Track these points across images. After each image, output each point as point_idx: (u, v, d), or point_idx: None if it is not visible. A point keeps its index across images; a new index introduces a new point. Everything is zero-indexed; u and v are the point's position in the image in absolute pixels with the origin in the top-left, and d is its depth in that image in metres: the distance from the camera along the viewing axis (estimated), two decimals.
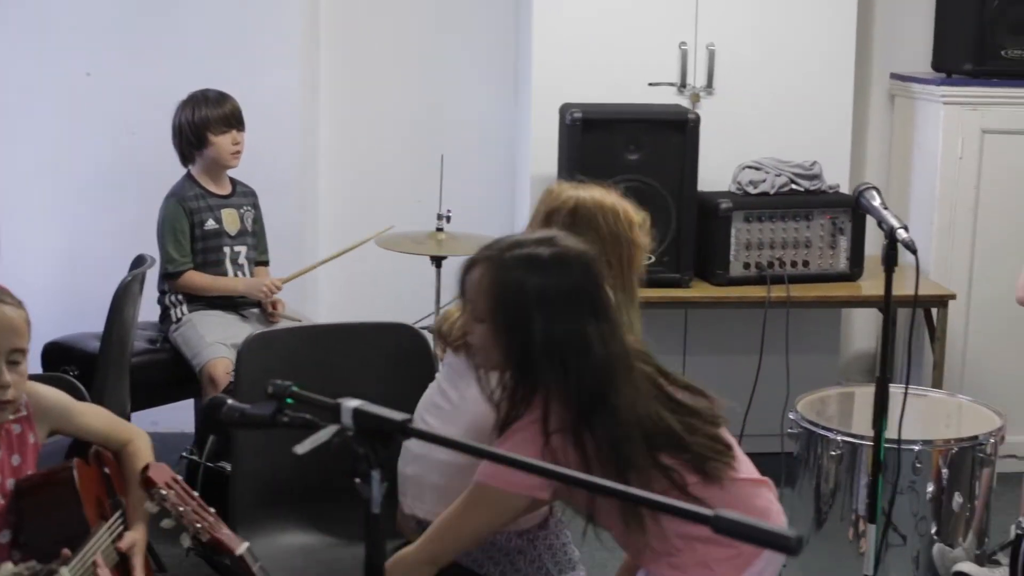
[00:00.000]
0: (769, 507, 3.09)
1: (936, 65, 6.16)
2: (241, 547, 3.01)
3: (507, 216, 6.31)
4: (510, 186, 6.40)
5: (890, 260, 3.32)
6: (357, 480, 2.37)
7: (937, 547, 4.37)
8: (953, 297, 5.60)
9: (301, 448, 2.74)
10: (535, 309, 2.96)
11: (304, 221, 6.23)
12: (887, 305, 3.33)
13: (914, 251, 3.27)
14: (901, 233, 3.29)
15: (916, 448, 4.27)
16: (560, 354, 2.95)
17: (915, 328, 6.01)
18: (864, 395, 4.74)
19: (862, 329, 6.56)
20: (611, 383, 2.96)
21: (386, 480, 2.36)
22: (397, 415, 2.33)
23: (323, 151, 6.38)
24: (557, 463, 2.90)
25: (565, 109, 5.45)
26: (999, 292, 5.72)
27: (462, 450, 2.67)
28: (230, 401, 2.63)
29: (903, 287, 5.84)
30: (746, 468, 3.08)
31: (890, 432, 4.18)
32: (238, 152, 5.39)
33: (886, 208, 3.81)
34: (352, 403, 2.37)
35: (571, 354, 2.95)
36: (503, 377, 3.06)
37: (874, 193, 3.43)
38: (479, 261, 3.07)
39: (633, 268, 3.55)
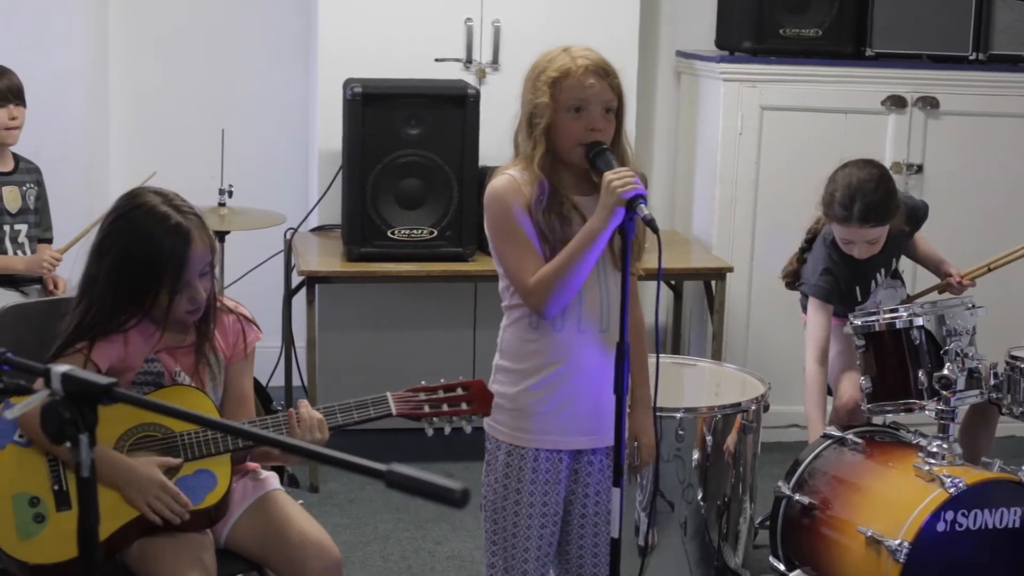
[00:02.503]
0: None
1: (719, 43, 6.28)
2: None
3: (300, 191, 6.30)
4: (303, 161, 6.39)
5: (624, 230, 3.34)
6: (68, 445, 2.38)
7: None
8: (731, 270, 5.73)
9: (11, 413, 2.72)
10: None
11: (93, 198, 6.15)
12: (624, 274, 3.35)
13: (655, 228, 3.28)
14: (643, 208, 3.29)
15: (679, 416, 4.34)
16: None
17: (671, 303, 6.21)
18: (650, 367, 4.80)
19: (653, 302, 6.63)
20: None
21: (95, 444, 2.37)
22: (103, 379, 2.34)
23: (114, 126, 6.31)
24: None
25: (347, 84, 5.45)
26: (779, 265, 5.83)
27: (162, 412, 2.68)
28: None
29: (688, 260, 6.01)
30: None
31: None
32: (14, 128, 5.30)
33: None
34: (62, 368, 2.37)
35: None
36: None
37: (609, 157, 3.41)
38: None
39: (545, 128, 3.39)
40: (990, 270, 4.98)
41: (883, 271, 4.82)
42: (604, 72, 3.42)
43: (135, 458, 3.32)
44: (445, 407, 3.41)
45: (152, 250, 3.35)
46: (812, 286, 4.77)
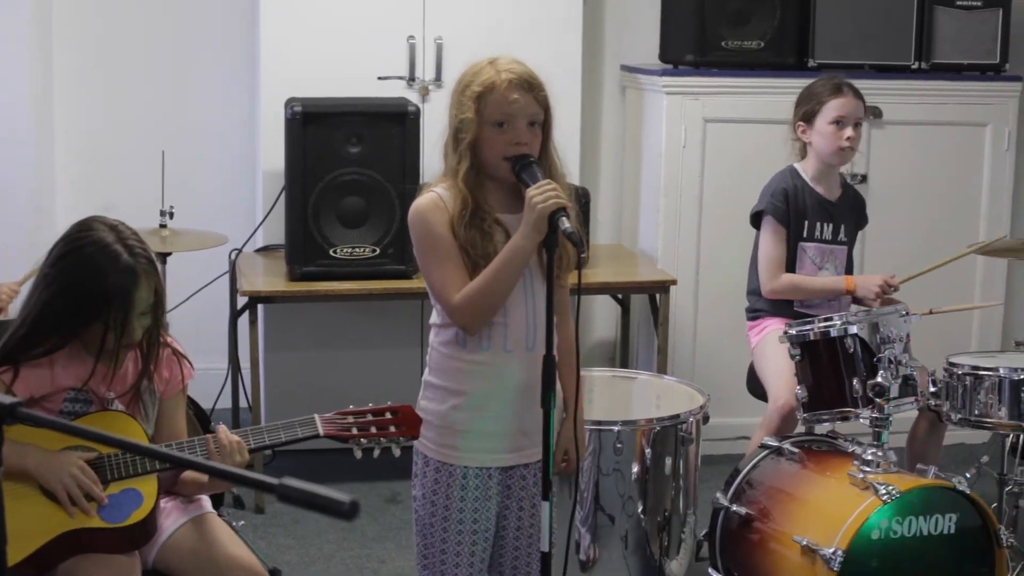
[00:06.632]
0: None
1: (662, 56, 6.29)
2: None
3: (246, 211, 6.28)
4: (249, 182, 6.38)
5: (550, 244, 3.33)
6: None
7: None
8: (674, 283, 5.74)
9: None
10: None
11: (40, 221, 6.13)
12: (549, 288, 3.34)
13: (575, 242, 3.28)
14: (564, 222, 3.29)
15: (616, 428, 4.33)
16: None
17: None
18: (592, 380, 4.84)
19: (602, 317, 6.67)
20: None
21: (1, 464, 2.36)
22: (7, 399, 2.33)
23: (59, 151, 6.30)
24: None
25: (288, 103, 5.45)
26: (725, 278, 5.86)
27: (71, 433, 2.67)
28: None
29: (635, 274, 6.02)
30: None
31: (596, 414, 4.38)
32: None
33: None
34: None
35: None
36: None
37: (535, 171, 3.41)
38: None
39: (470, 143, 3.39)
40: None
41: (832, 226, 4.96)
42: (529, 85, 3.41)
43: None
44: (373, 429, 3.43)
45: (99, 289, 3.36)
46: (767, 203, 4.94)
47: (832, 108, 4.87)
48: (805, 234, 4.92)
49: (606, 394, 4.83)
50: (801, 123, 4.95)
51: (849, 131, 4.87)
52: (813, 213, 4.93)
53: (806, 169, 4.97)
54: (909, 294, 4.95)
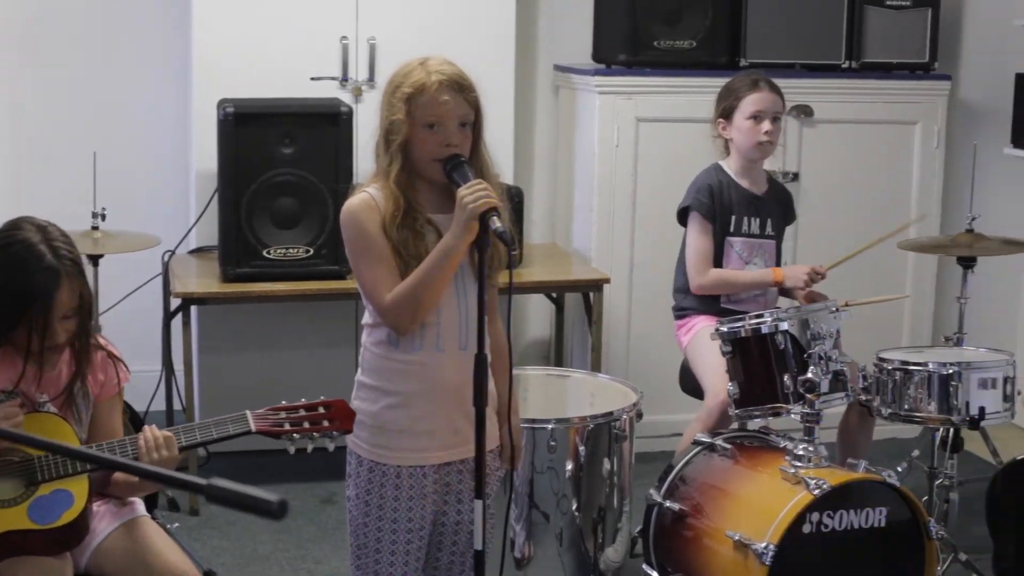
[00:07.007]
0: None
1: (595, 56, 6.33)
2: None
3: (180, 213, 6.25)
4: (182, 183, 6.35)
5: (481, 243, 3.34)
6: None
7: None
8: (607, 281, 5.77)
9: None
10: None
11: None
12: (480, 287, 3.34)
13: (507, 242, 3.29)
14: (495, 221, 3.30)
15: (550, 427, 4.35)
16: None
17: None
18: (526, 379, 4.86)
19: (536, 315, 6.68)
20: None
21: None
22: None
23: None
24: None
25: (220, 104, 5.44)
26: (658, 276, 5.89)
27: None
28: None
29: (568, 273, 6.04)
30: None
31: (530, 412, 4.38)
32: None
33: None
34: None
35: None
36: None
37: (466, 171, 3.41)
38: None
39: (401, 144, 3.39)
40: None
41: (759, 220, 5.02)
42: (459, 87, 3.42)
43: None
44: (306, 424, 3.42)
45: (21, 288, 3.35)
46: (692, 199, 5.00)
47: (750, 103, 4.93)
48: (732, 229, 4.97)
49: (540, 393, 4.85)
50: (721, 120, 5.01)
51: (767, 125, 4.91)
52: (739, 208, 4.97)
53: (730, 165, 5.03)
54: (834, 288, 5.00)
